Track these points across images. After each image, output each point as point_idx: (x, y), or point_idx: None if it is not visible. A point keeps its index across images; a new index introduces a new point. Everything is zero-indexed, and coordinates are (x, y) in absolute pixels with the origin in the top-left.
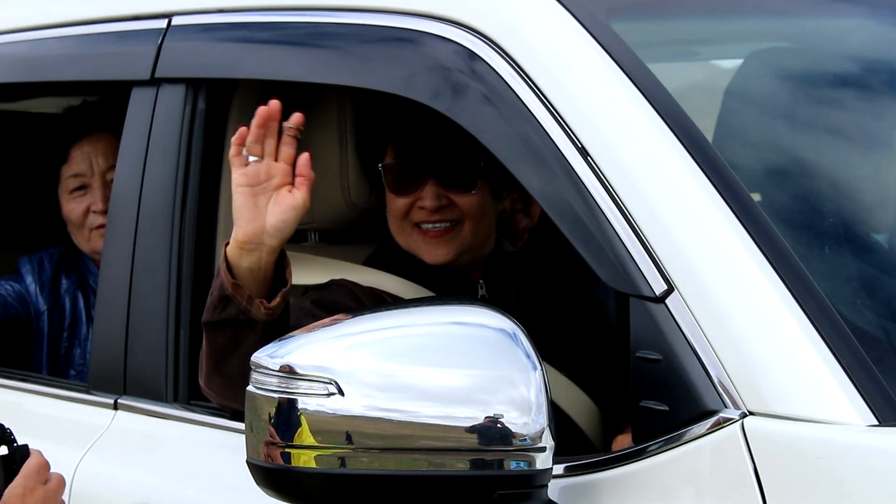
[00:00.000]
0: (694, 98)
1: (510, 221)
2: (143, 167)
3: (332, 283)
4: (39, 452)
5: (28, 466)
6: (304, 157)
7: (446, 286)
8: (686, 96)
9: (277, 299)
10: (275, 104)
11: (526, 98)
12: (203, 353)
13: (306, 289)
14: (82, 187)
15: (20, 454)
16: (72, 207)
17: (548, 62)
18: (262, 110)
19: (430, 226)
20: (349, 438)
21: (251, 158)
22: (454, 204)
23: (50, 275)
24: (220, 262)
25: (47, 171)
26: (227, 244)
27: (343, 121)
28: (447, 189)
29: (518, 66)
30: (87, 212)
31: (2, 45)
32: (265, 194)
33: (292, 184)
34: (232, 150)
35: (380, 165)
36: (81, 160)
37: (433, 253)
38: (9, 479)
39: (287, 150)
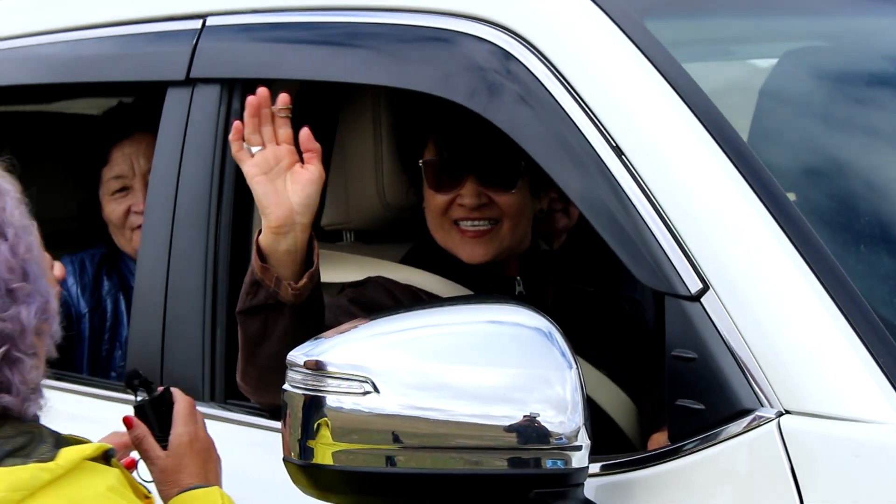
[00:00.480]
0: (729, 97)
1: (549, 221)
2: (179, 167)
3: (368, 280)
4: (181, 393)
5: (180, 410)
6: (305, 133)
7: (483, 284)
8: (721, 96)
9: (304, 280)
10: (262, 91)
11: (561, 98)
12: (239, 347)
13: (343, 286)
14: (124, 188)
15: (166, 398)
16: (113, 208)
17: (582, 62)
18: (251, 100)
19: (469, 224)
20: (385, 437)
21: (254, 149)
22: (494, 202)
23: (91, 276)
24: (253, 249)
25: (88, 171)
26: (259, 233)
27: (378, 120)
28: (487, 187)
29: (553, 65)
30: (128, 212)
31: (39, 47)
32: (280, 177)
33: (301, 162)
34: (233, 147)
35: (420, 161)
36: (122, 161)
37: (471, 252)
38: (160, 422)
39: (284, 131)
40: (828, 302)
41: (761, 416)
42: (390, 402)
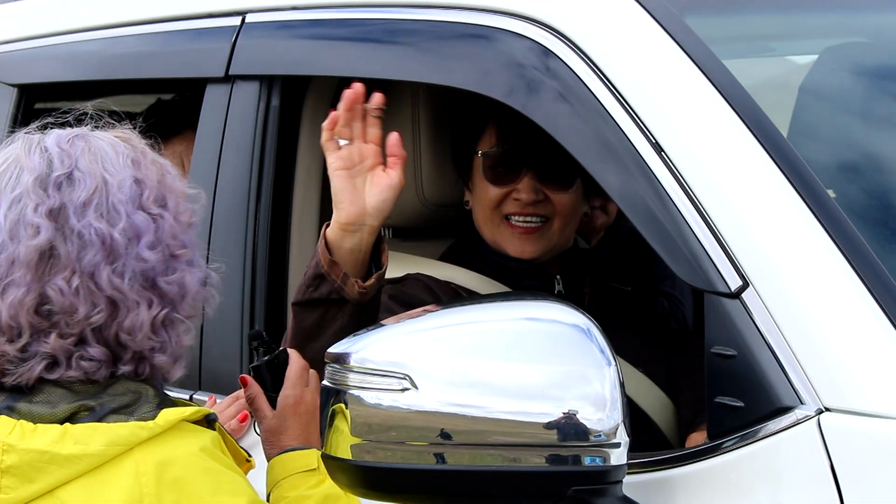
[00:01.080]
0: (768, 94)
1: (588, 218)
2: (218, 164)
3: (407, 277)
4: (297, 354)
5: (291, 373)
6: (394, 137)
7: (524, 281)
8: (760, 92)
9: (372, 280)
10: (358, 87)
11: (600, 94)
12: (287, 337)
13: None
14: None
15: (281, 358)
16: None
17: (622, 58)
18: (347, 93)
19: (520, 220)
20: (423, 434)
21: (342, 142)
22: (549, 200)
23: None
24: (318, 244)
25: None
26: (327, 225)
27: (416, 117)
28: (545, 184)
29: (593, 62)
30: None
31: (79, 44)
32: (361, 176)
33: (384, 164)
34: (324, 136)
35: (479, 152)
36: (172, 159)
37: (520, 248)
38: (275, 382)
39: (373, 131)
40: (868, 298)
41: (801, 414)
42: (429, 398)
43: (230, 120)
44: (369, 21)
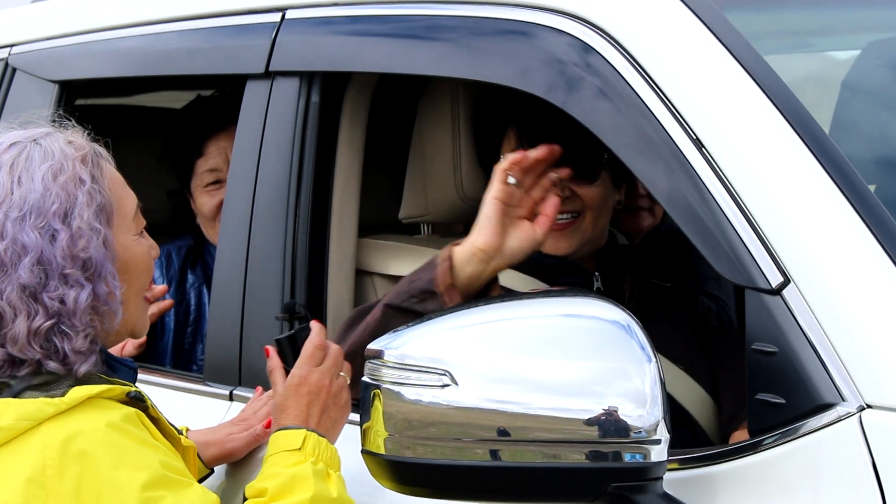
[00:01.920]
0: (809, 89)
1: (634, 219)
2: (258, 160)
3: None
4: (319, 329)
5: (304, 351)
6: (554, 202)
7: (562, 278)
8: (801, 88)
9: None
10: (557, 150)
11: (641, 90)
12: (359, 329)
13: None
14: (217, 181)
15: (301, 335)
16: (205, 200)
17: (662, 54)
18: (544, 151)
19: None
20: (463, 430)
21: (510, 179)
22: (576, 195)
23: (177, 269)
24: (440, 260)
25: (181, 162)
26: (457, 244)
27: (456, 113)
28: (570, 180)
29: (632, 57)
30: (220, 205)
31: (120, 40)
32: (509, 217)
33: (532, 219)
34: (504, 164)
35: (501, 154)
36: (217, 155)
37: (555, 245)
38: (295, 358)
39: (541, 190)
40: None
41: (842, 411)
42: (469, 395)
43: (270, 116)
44: (409, 17)
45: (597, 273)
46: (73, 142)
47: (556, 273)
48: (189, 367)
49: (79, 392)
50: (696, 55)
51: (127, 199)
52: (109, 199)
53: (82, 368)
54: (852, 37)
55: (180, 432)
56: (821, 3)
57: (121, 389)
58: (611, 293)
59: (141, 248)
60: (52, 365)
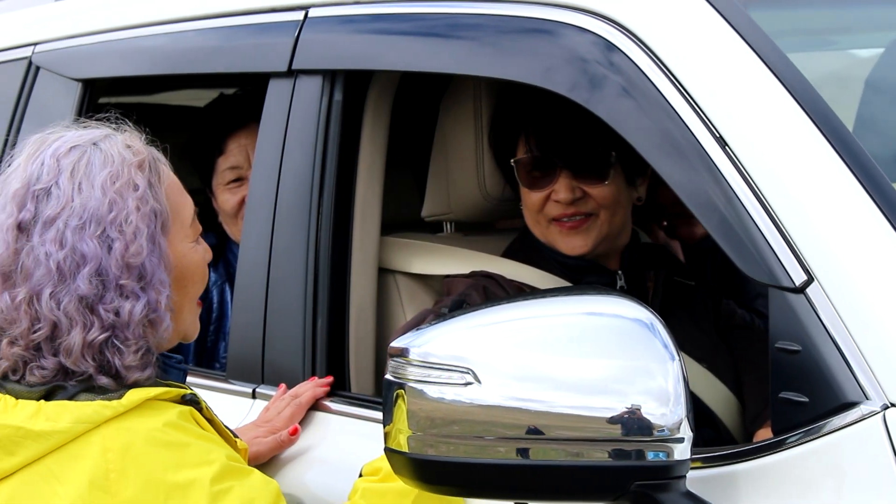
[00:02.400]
0: (833, 87)
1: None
2: (281, 158)
3: (474, 273)
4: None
5: None
6: None
7: (586, 277)
8: (824, 85)
9: None
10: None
11: (664, 88)
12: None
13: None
14: (239, 179)
15: None
16: (226, 198)
17: (686, 52)
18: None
19: (565, 218)
20: (486, 428)
21: None
22: (588, 196)
23: None
24: None
25: (202, 160)
26: None
27: (479, 112)
28: (581, 181)
29: (656, 56)
30: (241, 203)
31: (143, 38)
32: None
33: None
34: None
35: (512, 161)
36: (238, 152)
37: (570, 244)
38: None
39: None
40: None
41: (866, 409)
42: (491, 393)
43: (293, 114)
44: (432, 15)
45: (620, 271)
46: (131, 146)
47: (578, 272)
48: (212, 364)
49: (136, 394)
50: (720, 53)
51: (185, 206)
52: (164, 205)
53: (130, 380)
54: (876, 35)
55: (235, 434)
56: (844, 0)
57: (176, 392)
58: (634, 291)
59: (197, 256)
60: (103, 380)
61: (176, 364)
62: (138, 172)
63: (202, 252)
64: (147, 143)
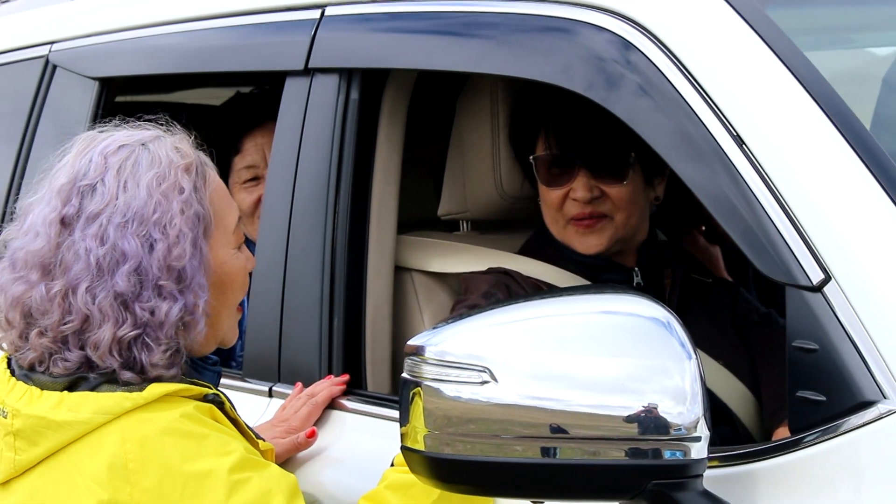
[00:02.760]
0: (850, 86)
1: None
2: (297, 156)
3: (490, 270)
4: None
5: None
6: None
7: (602, 275)
8: (841, 84)
9: None
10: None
11: (681, 87)
12: None
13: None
14: (255, 178)
15: None
16: (243, 197)
17: (703, 50)
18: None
19: (583, 218)
20: (502, 427)
21: None
22: (606, 195)
23: None
24: None
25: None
26: None
27: (495, 110)
28: (599, 180)
29: (673, 54)
30: (258, 202)
31: (160, 37)
32: None
33: None
34: None
35: (531, 158)
36: (255, 151)
37: (586, 244)
38: None
39: None
40: None
41: (884, 408)
42: (508, 391)
43: (309, 113)
44: (448, 14)
45: (636, 269)
46: (179, 149)
47: (595, 270)
48: (228, 363)
49: (157, 388)
50: (737, 52)
51: (229, 212)
52: (208, 210)
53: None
54: (893, 33)
55: (258, 436)
56: None
57: (198, 390)
58: (651, 288)
59: (238, 263)
60: (127, 375)
61: (210, 366)
62: (185, 175)
63: (244, 260)
64: (196, 147)
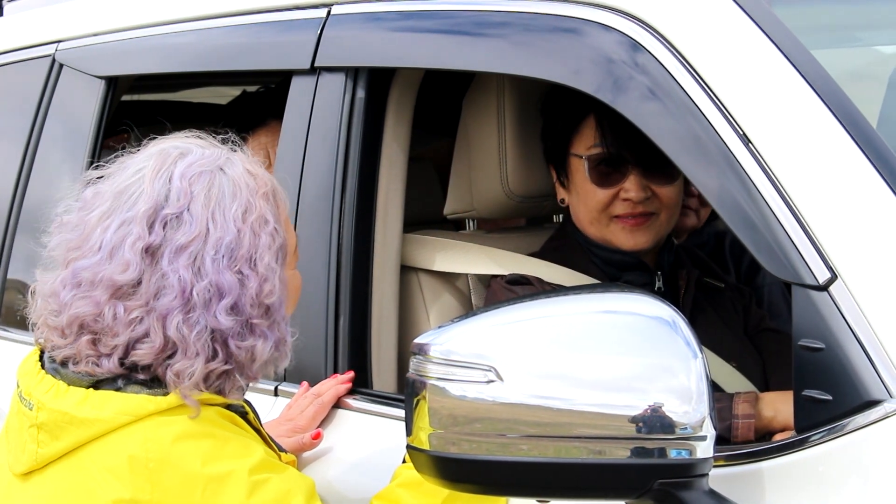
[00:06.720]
0: (857, 84)
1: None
2: (304, 155)
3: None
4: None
5: None
6: None
7: (626, 275)
8: (849, 83)
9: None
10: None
11: (688, 86)
12: None
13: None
14: None
15: None
16: None
17: (710, 50)
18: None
19: (630, 217)
20: (508, 426)
21: None
22: (655, 195)
23: None
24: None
25: None
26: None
27: (501, 109)
28: (650, 179)
29: (680, 53)
30: None
31: (166, 36)
32: None
33: None
34: None
35: (583, 156)
36: (258, 150)
37: (633, 240)
38: None
39: None
40: None
41: (890, 407)
42: (514, 390)
43: (315, 112)
44: (456, 13)
45: (659, 273)
46: (253, 173)
47: (622, 269)
48: None
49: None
50: (744, 50)
51: (292, 233)
52: (285, 238)
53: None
54: None
55: (282, 448)
56: None
57: (223, 399)
58: (669, 290)
59: (297, 282)
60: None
61: None
62: (265, 205)
63: (299, 277)
64: (261, 165)
